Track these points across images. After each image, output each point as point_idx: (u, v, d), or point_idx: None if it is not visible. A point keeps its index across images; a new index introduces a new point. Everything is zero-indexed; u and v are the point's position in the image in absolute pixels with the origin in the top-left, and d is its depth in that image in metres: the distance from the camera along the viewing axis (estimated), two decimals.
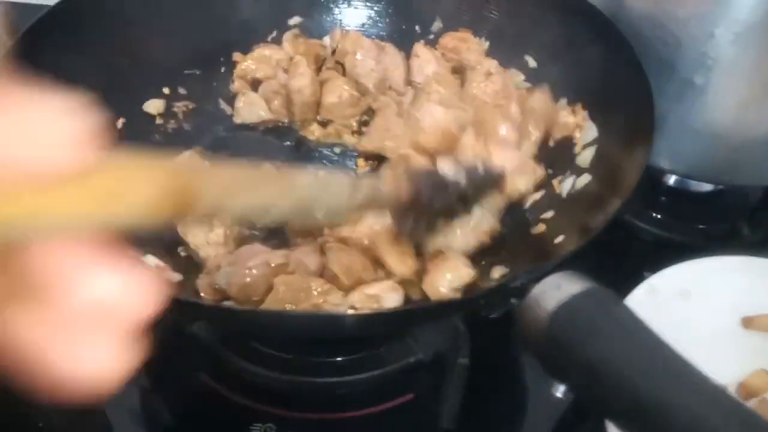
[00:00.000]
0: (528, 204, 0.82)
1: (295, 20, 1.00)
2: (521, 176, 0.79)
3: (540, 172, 0.81)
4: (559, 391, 0.79)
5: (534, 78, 0.90)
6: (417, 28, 1.00)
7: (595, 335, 0.47)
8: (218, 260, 0.76)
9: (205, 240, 0.78)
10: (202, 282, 0.73)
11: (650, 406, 0.43)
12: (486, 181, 0.66)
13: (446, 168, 0.63)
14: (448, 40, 0.96)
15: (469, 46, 0.94)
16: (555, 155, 0.84)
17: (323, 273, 0.74)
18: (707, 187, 0.98)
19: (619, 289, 0.64)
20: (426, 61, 0.94)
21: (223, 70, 0.98)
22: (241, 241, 0.79)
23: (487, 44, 0.95)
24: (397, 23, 1.01)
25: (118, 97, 0.84)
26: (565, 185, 0.80)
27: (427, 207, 0.60)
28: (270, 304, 0.69)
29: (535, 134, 0.83)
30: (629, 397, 0.44)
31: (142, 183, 0.31)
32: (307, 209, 0.49)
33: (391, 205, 0.59)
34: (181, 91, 0.94)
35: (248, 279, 0.71)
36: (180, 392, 0.80)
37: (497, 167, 0.71)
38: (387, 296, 0.70)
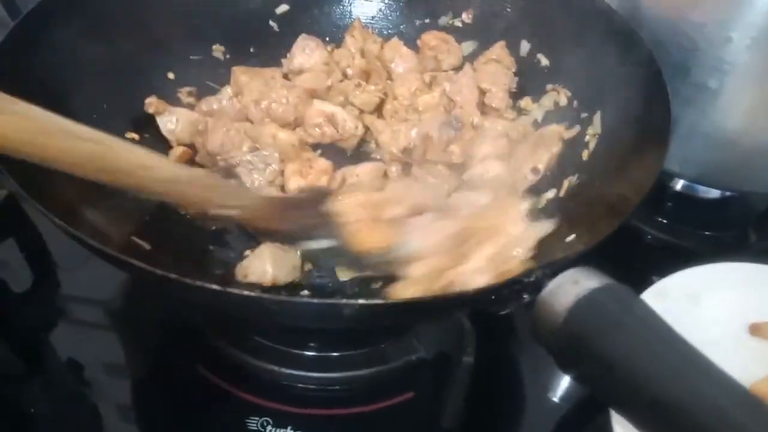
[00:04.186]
0: (541, 204, 0.81)
1: (282, 8, 0.99)
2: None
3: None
4: (557, 396, 0.78)
5: (548, 77, 0.89)
6: (427, 20, 0.99)
7: (614, 330, 0.46)
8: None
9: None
10: None
11: (672, 403, 0.42)
12: None
13: None
14: (430, 38, 0.96)
15: (449, 48, 0.95)
16: (567, 156, 0.83)
17: None
18: (715, 193, 0.97)
19: None
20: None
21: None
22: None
23: (472, 47, 0.96)
24: (409, 16, 1.00)
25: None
26: (577, 185, 0.78)
27: None
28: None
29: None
30: (650, 394, 0.43)
31: None
32: None
33: None
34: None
35: None
36: (175, 384, 0.77)
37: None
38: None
